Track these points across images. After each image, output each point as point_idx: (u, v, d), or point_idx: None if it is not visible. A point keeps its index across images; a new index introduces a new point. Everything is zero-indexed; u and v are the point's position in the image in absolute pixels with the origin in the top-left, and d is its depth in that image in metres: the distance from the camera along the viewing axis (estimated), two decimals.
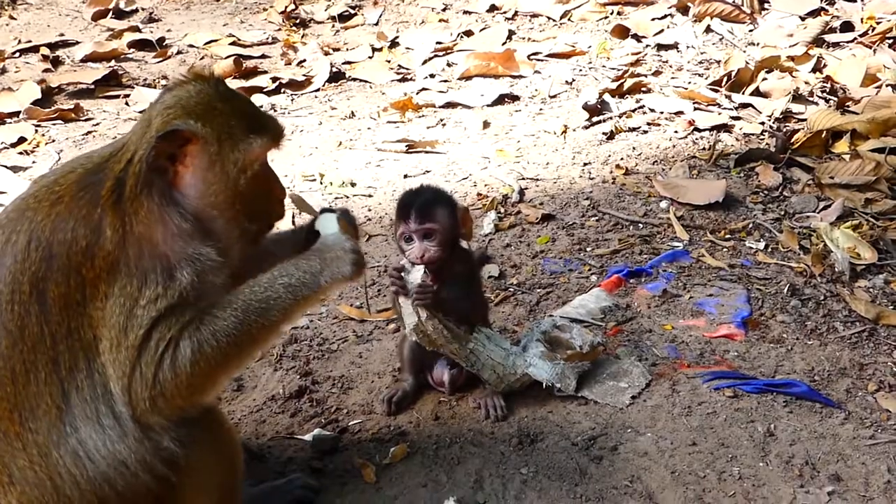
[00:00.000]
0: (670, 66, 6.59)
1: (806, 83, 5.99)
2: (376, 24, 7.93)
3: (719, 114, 5.68)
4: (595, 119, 5.70)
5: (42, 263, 2.24)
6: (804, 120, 5.45)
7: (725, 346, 3.61)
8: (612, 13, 7.64)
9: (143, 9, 8.30)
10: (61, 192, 2.33)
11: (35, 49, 7.31)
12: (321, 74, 6.74)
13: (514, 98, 6.22)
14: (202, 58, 7.23)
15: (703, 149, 5.25)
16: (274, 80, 6.67)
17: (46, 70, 6.93)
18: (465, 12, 7.97)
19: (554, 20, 7.66)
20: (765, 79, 5.97)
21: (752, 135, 5.44)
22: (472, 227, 3.34)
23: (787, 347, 3.60)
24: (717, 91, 5.95)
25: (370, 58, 7.12)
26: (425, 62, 6.95)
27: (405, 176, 5.15)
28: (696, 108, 5.76)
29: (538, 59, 6.83)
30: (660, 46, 6.92)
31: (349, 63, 7.00)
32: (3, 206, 4.34)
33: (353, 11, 8.17)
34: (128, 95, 6.49)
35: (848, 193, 4.71)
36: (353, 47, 7.35)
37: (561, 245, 4.35)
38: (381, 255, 4.35)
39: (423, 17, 7.99)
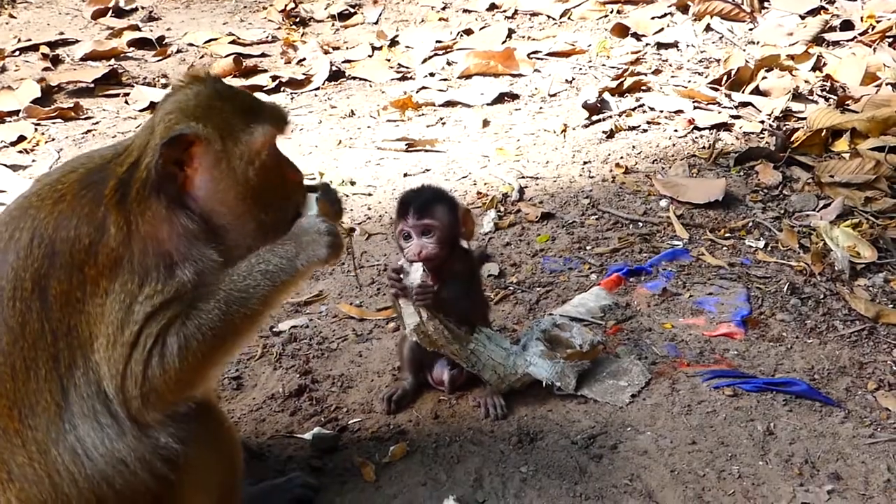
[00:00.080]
0: (670, 65, 6.58)
1: (806, 82, 5.98)
2: (376, 22, 7.93)
3: (719, 112, 5.67)
4: (595, 118, 5.70)
5: (44, 260, 2.25)
6: (804, 118, 5.45)
7: (725, 344, 3.61)
8: (611, 12, 7.63)
9: (142, 7, 8.29)
10: (64, 191, 2.33)
11: (35, 47, 7.31)
12: (321, 73, 6.74)
13: (514, 97, 6.21)
14: (202, 56, 7.22)
15: (703, 147, 5.25)
16: (274, 78, 6.67)
17: (46, 69, 6.92)
18: (465, 11, 7.96)
19: (554, 19, 7.66)
20: (764, 77, 5.96)
21: (752, 133, 5.43)
22: (475, 228, 3.33)
23: (786, 346, 3.60)
24: (716, 90, 5.94)
25: (370, 56, 7.12)
26: (425, 61, 6.94)
27: (405, 175, 5.14)
28: (695, 107, 5.75)
29: (538, 58, 6.83)
30: (659, 45, 6.91)
31: (349, 62, 7.00)
32: (3, 204, 4.36)
33: (352, 10, 8.17)
34: (127, 94, 6.49)
35: (848, 192, 4.70)
36: (353, 46, 7.35)
37: (561, 244, 4.35)
38: (381, 254, 4.35)
39: (423, 15, 7.99)
